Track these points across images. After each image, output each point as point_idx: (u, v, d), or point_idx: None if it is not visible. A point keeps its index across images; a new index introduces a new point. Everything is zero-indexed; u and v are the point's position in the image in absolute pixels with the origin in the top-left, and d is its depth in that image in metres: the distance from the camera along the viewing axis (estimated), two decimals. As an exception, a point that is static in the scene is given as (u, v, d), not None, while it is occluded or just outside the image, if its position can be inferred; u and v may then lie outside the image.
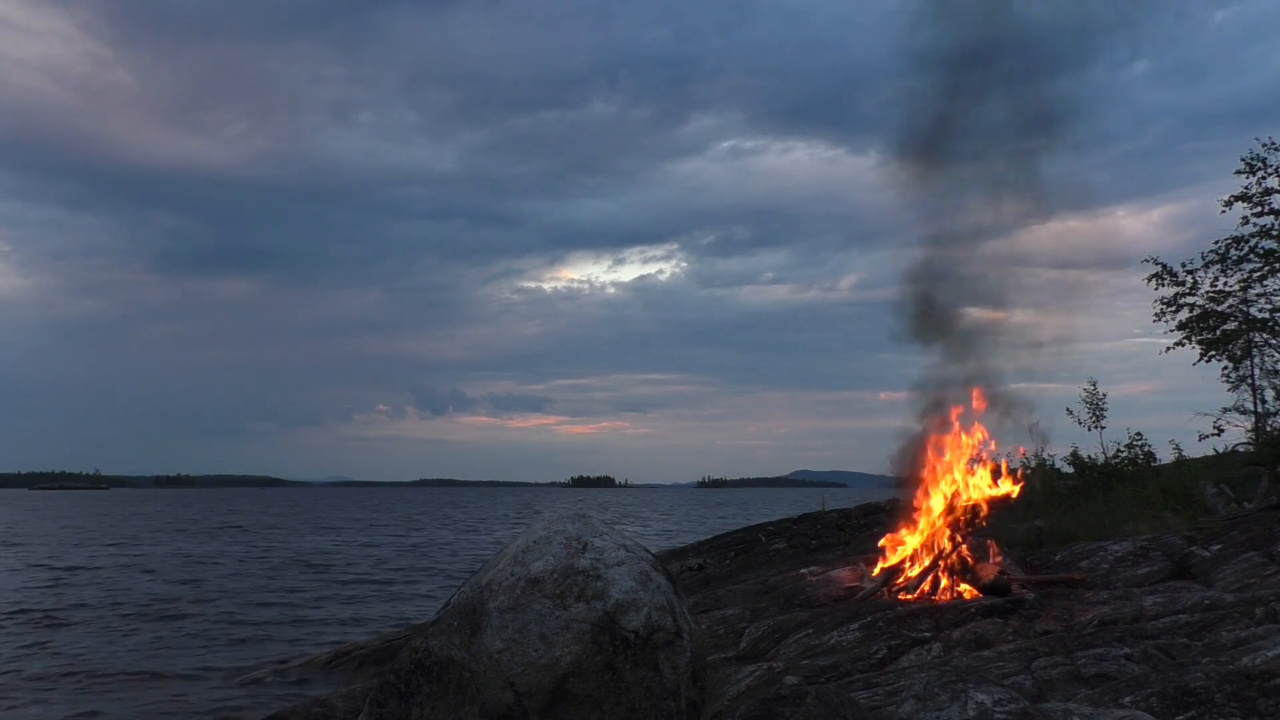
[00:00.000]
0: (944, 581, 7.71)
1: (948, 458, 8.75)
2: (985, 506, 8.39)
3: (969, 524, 8.28)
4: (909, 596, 7.70)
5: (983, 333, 9.02)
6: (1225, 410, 15.82)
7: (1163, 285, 16.58)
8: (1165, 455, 13.71)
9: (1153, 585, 7.09)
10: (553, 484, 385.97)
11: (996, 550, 7.92)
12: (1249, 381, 16.00)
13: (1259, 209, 15.80)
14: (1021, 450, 13.66)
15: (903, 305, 9.09)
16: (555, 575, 3.86)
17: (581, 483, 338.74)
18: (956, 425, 8.79)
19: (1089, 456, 13.80)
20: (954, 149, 9.26)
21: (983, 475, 8.67)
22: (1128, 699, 4.15)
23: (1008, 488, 8.60)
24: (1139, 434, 13.82)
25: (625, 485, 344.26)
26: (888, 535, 8.85)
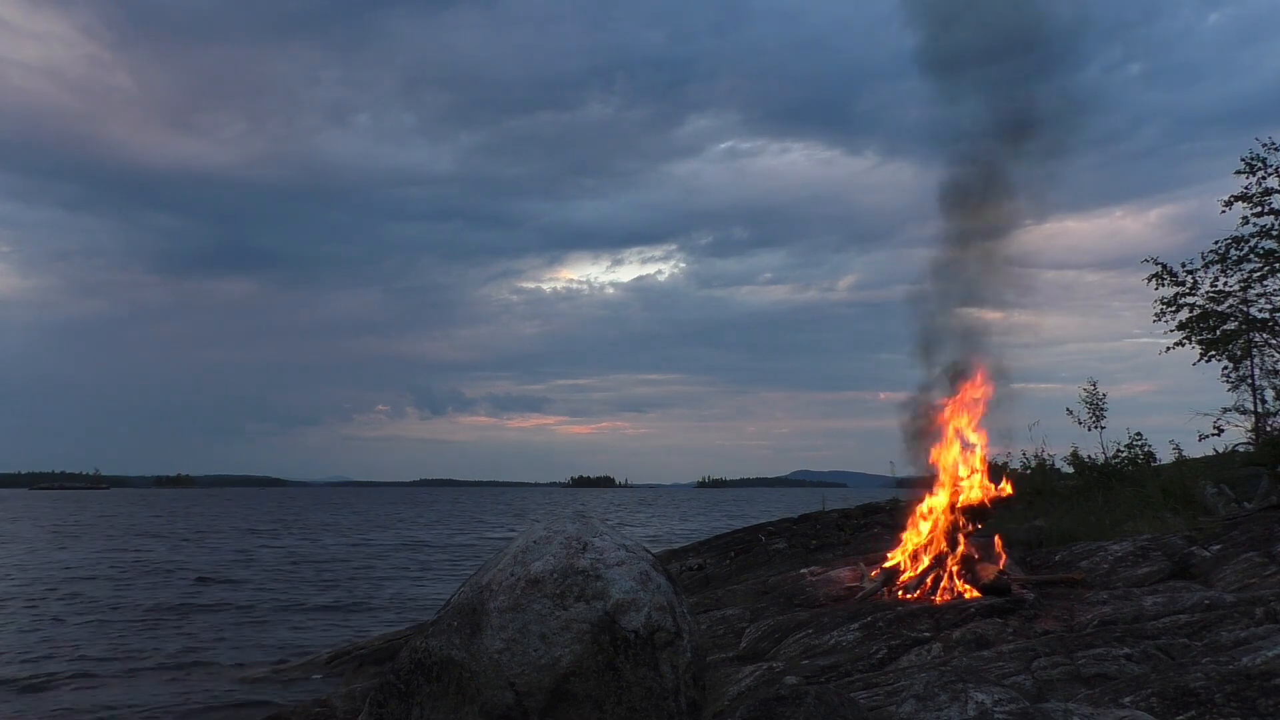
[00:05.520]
0: (944, 581, 7.71)
1: (947, 458, 8.75)
2: (986, 506, 8.39)
3: (969, 524, 8.28)
4: (909, 596, 7.69)
5: (982, 333, 9.01)
6: (1225, 410, 15.84)
7: (1163, 285, 16.59)
8: (1165, 455, 13.69)
9: (1153, 585, 7.08)
10: (553, 484, 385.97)
11: (1001, 549, 7.91)
12: (1249, 381, 16.01)
13: (1259, 209, 15.80)
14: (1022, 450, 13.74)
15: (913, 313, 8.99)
16: (555, 575, 3.86)
17: (581, 483, 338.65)
18: (956, 426, 8.78)
19: (1089, 456, 13.77)
20: (952, 150, 9.26)
21: (982, 475, 8.67)
22: (1128, 699, 4.15)
23: (1005, 488, 8.60)
24: (1139, 434, 13.80)
25: (625, 485, 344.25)
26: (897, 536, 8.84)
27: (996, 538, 8.05)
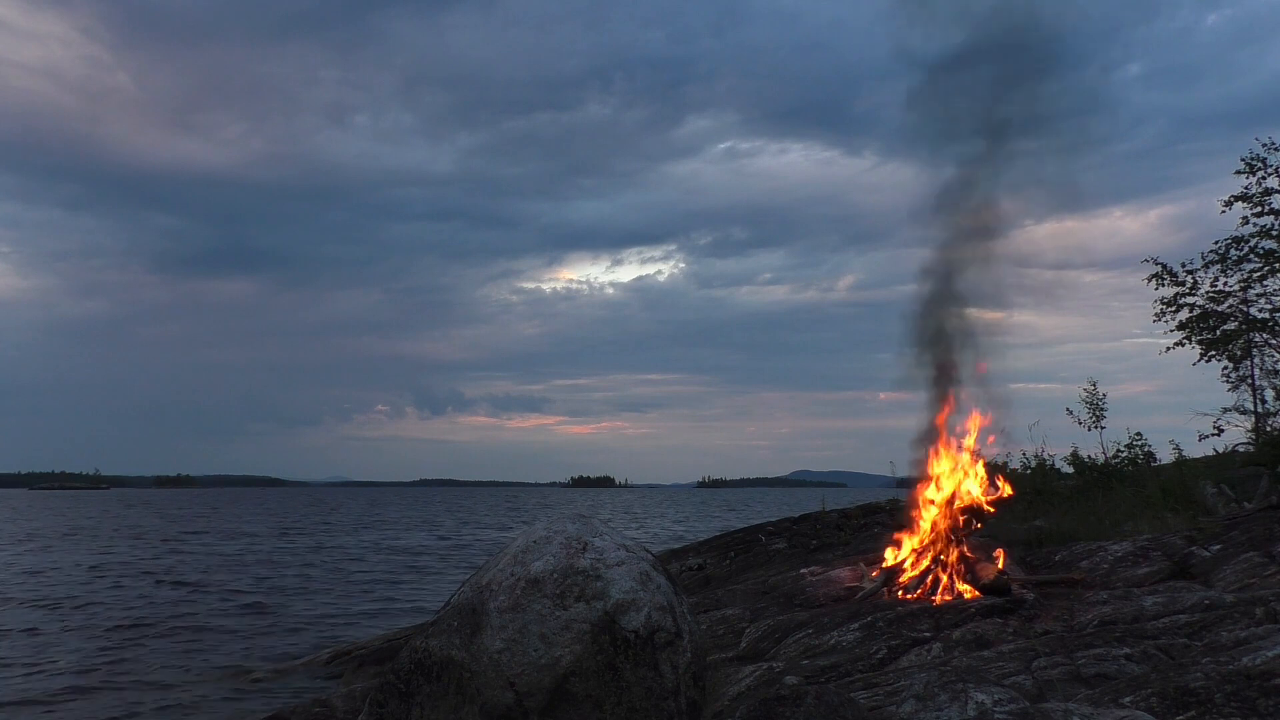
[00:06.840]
0: (944, 581, 7.71)
1: (947, 458, 8.74)
2: (985, 506, 8.39)
3: (969, 524, 8.28)
4: (909, 596, 7.69)
5: (982, 333, 9.00)
6: (1225, 410, 15.84)
7: (1163, 285, 16.60)
8: (1165, 455, 13.67)
9: (1153, 585, 7.08)
10: (552, 484, 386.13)
11: (1000, 550, 7.91)
12: (1249, 381, 16.01)
13: (1259, 209, 15.81)
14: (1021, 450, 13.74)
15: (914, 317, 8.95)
16: (555, 575, 3.86)
17: (581, 483, 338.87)
18: (955, 426, 8.78)
19: (1089, 456, 13.76)
20: (952, 150, 9.25)
21: (980, 475, 8.67)
22: (1128, 699, 4.15)
23: (1003, 488, 8.60)
24: (1139, 434, 13.78)
25: (625, 485, 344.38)
26: (892, 537, 8.84)
27: (998, 548, 8.05)
